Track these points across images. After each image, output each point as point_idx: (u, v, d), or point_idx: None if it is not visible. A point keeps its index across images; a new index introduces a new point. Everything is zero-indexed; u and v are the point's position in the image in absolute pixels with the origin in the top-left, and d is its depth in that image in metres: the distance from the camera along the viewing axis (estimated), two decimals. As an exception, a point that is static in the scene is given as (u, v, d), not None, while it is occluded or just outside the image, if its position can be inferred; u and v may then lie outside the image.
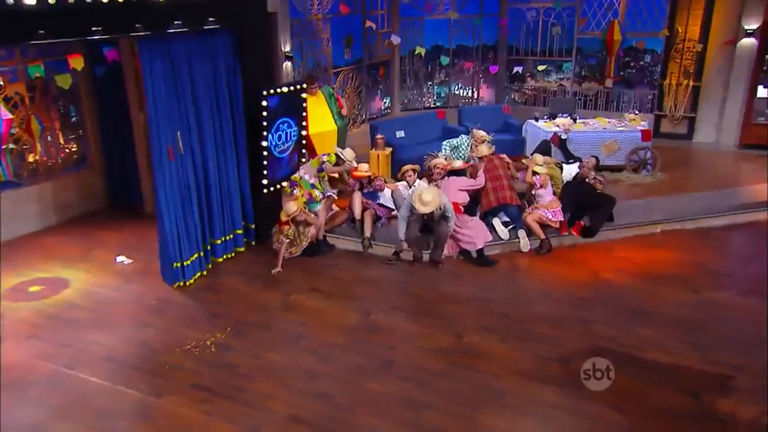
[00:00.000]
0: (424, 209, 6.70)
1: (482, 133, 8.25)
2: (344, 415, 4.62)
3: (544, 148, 8.85)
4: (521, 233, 7.37)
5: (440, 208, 6.77)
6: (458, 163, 7.77)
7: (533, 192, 7.55)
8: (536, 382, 4.96)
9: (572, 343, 5.45)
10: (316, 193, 7.35)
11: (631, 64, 11.94)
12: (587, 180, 7.77)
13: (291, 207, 6.94)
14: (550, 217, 7.35)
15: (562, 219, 7.40)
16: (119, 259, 7.25)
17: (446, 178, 7.57)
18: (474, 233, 7.11)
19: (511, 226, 7.45)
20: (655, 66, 11.66)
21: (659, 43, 11.47)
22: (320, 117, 8.65)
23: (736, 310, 5.96)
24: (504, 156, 7.87)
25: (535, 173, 7.46)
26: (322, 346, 5.49)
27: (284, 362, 5.28)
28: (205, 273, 6.88)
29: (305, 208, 7.14)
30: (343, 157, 7.61)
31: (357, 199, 7.62)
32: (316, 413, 4.64)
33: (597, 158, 8.34)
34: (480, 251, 7.10)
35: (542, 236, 7.29)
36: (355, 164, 7.74)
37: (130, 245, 7.59)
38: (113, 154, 8.78)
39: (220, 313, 6.09)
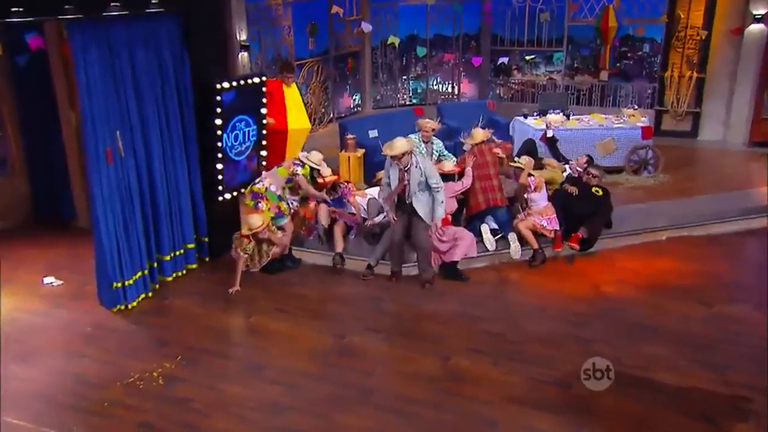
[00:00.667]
0: (390, 152, 6.70)
1: (427, 120, 8.10)
2: (315, 453, 4.59)
3: (528, 148, 8.91)
4: (511, 236, 7.44)
5: (418, 168, 6.64)
6: (449, 165, 7.68)
7: (526, 195, 7.61)
8: (531, 408, 4.98)
9: (571, 364, 5.48)
10: (284, 205, 7.27)
11: (629, 54, 12.19)
12: (582, 179, 7.87)
13: (255, 221, 6.87)
14: (545, 225, 7.43)
15: (558, 228, 7.48)
16: (47, 280, 7.13)
17: None
18: (459, 243, 7.14)
19: (499, 235, 7.51)
20: (655, 56, 11.92)
21: (659, 31, 11.74)
22: (296, 112, 8.67)
23: (751, 325, 6.07)
24: (497, 150, 7.81)
25: (530, 174, 7.50)
26: (289, 375, 5.45)
27: (244, 394, 5.22)
28: (150, 294, 6.80)
29: (272, 223, 7.06)
30: (309, 162, 7.50)
31: (323, 211, 7.57)
32: (282, 452, 4.59)
33: (590, 156, 8.46)
34: (454, 262, 7.14)
35: (536, 246, 7.37)
36: (324, 167, 7.65)
37: (61, 264, 7.45)
38: (39, 159, 8.61)
39: (168, 339, 6.02)
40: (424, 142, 8.08)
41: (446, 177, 7.50)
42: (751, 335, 5.91)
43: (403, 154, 6.65)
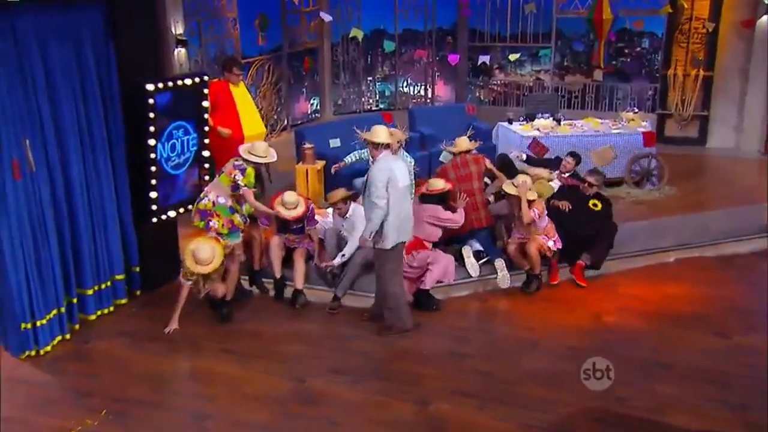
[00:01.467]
0: (362, 135, 6.63)
1: (379, 129, 6.99)
2: None
3: (503, 161, 8.87)
4: (498, 264, 7.49)
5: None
6: (440, 184, 7.46)
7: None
8: (528, 460, 5.00)
9: (569, 407, 5.53)
10: (238, 218, 7.03)
11: (626, 50, 12.46)
12: (578, 188, 7.96)
13: (204, 255, 6.52)
14: (551, 245, 7.49)
15: (560, 247, 7.56)
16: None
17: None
18: (432, 268, 7.13)
19: (484, 259, 7.56)
20: (656, 52, 12.21)
21: (660, 24, 12.02)
22: (249, 115, 8.67)
23: (774, 357, 6.19)
24: (483, 160, 7.83)
25: (529, 201, 7.35)
26: (238, 428, 5.39)
27: (184, 453, 5.15)
28: (68, 336, 6.69)
29: (227, 243, 6.80)
30: (252, 157, 6.94)
31: (276, 248, 7.37)
32: None
33: (574, 155, 8.58)
34: (425, 290, 7.16)
35: (538, 270, 7.44)
36: (275, 157, 7.20)
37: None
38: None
39: (91, 390, 5.91)
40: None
41: (432, 198, 7.35)
42: (774, 369, 6.02)
43: (368, 142, 6.47)
